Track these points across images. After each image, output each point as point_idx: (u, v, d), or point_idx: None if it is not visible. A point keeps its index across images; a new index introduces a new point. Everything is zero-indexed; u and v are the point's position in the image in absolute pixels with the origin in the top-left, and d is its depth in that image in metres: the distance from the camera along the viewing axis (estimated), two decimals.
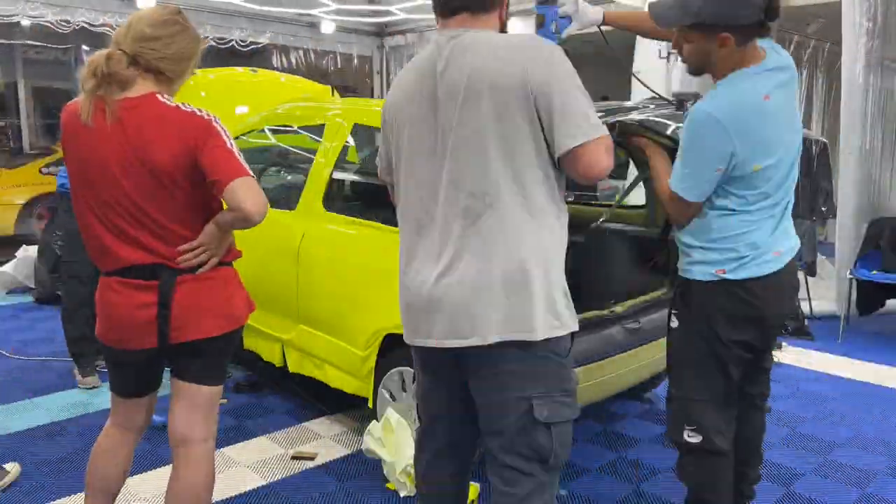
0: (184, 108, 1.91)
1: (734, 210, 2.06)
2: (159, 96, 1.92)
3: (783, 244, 2.12)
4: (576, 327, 1.77)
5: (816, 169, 3.80)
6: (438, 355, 1.79)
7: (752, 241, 2.07)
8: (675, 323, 2.22)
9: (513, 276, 1.66)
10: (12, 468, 2.95)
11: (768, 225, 2.09)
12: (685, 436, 2.20)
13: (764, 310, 2.10)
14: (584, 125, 1.63)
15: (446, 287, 1.70)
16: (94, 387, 3.96)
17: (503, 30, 1.84)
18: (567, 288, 1.76)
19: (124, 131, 1.87)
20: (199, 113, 1.92)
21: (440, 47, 1.74)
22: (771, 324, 2.16)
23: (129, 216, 1.92)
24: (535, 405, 1.71)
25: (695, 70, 2.13)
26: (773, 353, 2.46)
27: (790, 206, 2.16)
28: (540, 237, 1.69)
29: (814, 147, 3.76)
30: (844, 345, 5.06)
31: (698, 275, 2.12)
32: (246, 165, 1.91)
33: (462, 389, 1.84)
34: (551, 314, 1.70)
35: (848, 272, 5.27)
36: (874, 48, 5.46)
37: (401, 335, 2.85)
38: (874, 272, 5.13)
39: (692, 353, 2.18)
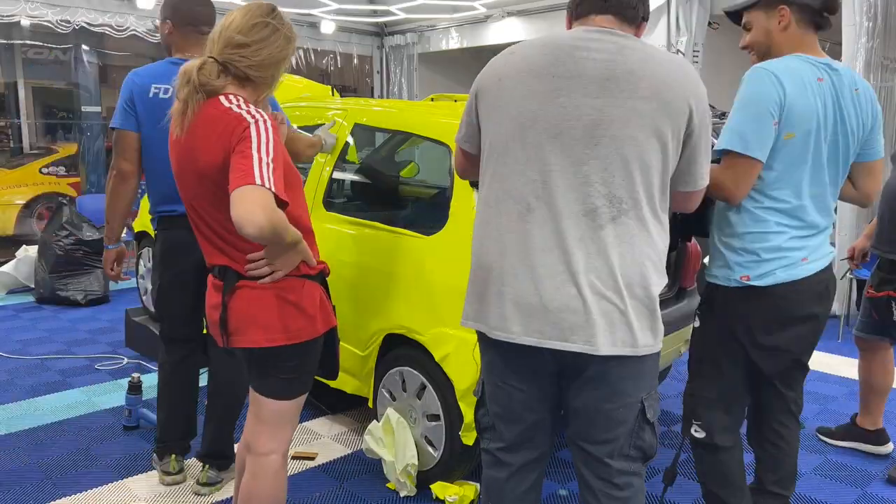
0: (235, 109, 1.82)
1: (755, 201, 2.05)
2: (222, 98, 1.86)
3: (811, 252, 2.09)
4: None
5: None
6: (539, 358, 1.70)
7: (773, 244, 2.05)
8: (696, 323, 2.26)
9: (633, 290, 1.63)
10: None
11: (789, 230, 2.06)
12: (692, 430, 2.26)
13: (794, 312, 2.10)
14: (707, 171, 1.76)
15: (566, 288, 1.62)
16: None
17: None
18: None
19: (183, 135, 1.86)
20: (245, 115, 1.80)
21: (587, 38, 1.67)
22: (801, 326, 2.13)
23: (200, 219, 1.94)
24: (647, 406, 1.72)
25: (757, 54, 2.15)
26: None
27: (820, 218, 2.10)
28: (655, 252, 1.68)
29: None
30: (844, 345, 5.05)
31: (722, 280, 2.13)
32: (262, 172, 1.69)
33: (556, 397, 1.80)
34: (653, 331, 1.68)
35: (848, 272, 5.27)
36: (874, 48, 5.46)
37: (400, 335, 2.89)
38: None
39: (708, 353, 2.22)
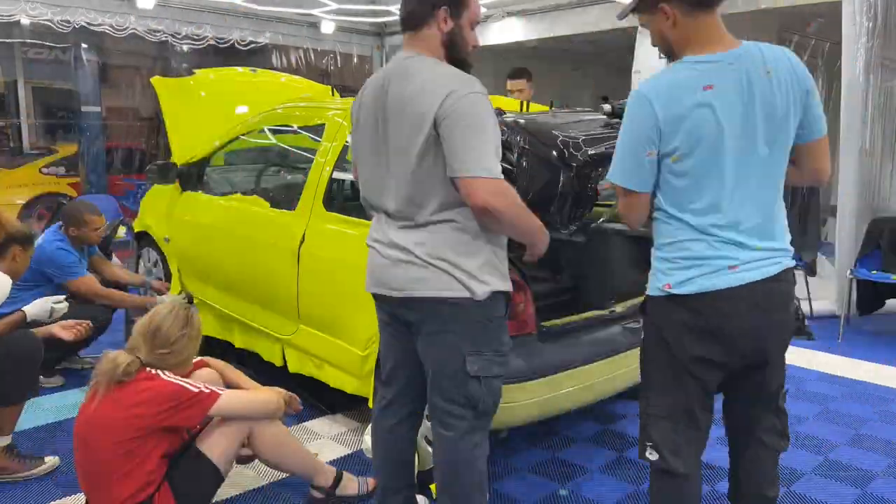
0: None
1: (670, 214, 1.93)
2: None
3: (739, 256, 1.89)
4: (503, 288, 2.09)
5: (809, 211, 3.43)
6: (395, 312, 2.17)
7: (689, 253, 1.90)
8: (642, 334, 2.11)
9: (434, 258, 2.03)
10: (50, 460, 3.08)
11: (705, 240, 1.89)
12: (647, 453, 2.06)
13: (720, 323, 1.91)
14: (470, 161, 1.92)
15: (391, 257, 2.11)
16: (60, 385, 3.99)
17: (453, 44, 2.09)
18: (494, 260, 2.08)
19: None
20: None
21: (388, 68, 2.15)
22: (735, 339, 1.93)
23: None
24: (468, 361, 2.06)
25: (665, 55, 2.01)
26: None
27: (742, 236, 1.90)
28: (448, 230, 2.03)
29: (803, 189, 3.32)
30: (844, 345, 5.06)
31: (651, 289, 2.00)
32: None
33: (414, 346, 2.19)
34: (472, 280, 2.03)
35: (848, 272, 5.27)
36: (874, 48, 5.46)
37: None
38: (874, 272, 5.14)
39: (650, 367, 2.07)
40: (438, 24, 2.05)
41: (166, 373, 2.40)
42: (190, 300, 2.71)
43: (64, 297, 3.45)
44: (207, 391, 2.38)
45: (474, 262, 2.04)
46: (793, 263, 1.99)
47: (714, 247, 1.89)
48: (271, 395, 2.63)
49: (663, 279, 1.95)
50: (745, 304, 1.89)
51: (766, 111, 1.87)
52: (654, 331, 2.03)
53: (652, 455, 2.04)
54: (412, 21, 2.09)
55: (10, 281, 3.00)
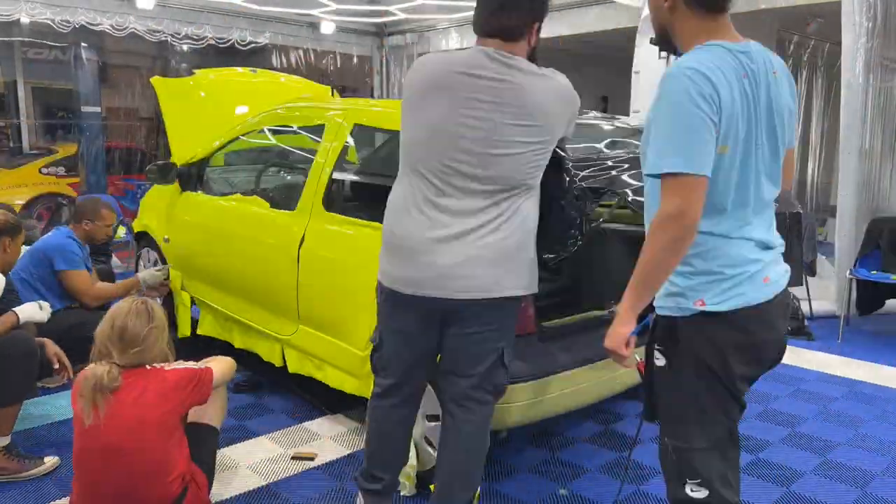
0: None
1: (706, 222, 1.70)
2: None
3: (771, 270, 1.78)
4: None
5: (790, 241, 3.34)
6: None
7: (730, 261, 1.72)
8: (660, 361, 1.83)
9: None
10: (50, 460, 3.07)
11: (746, 243, 1.75)
12: (688, 491, 1.82)
13: (757, 335, 1.77)
14: None
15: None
16: (60, 385, 3.97)
17: (533, 54, 2.33)
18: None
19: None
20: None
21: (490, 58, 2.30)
22: (762, 351, 1.82)
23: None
24: (506, 353, 2.33)
25: (658, 37, 1.88)
26: None
27: (766, 228, 1.82)
28: None
29: (786, 220, 3.27)
30: (844, 345, 5.06)
31: (675, 311, 1.77)
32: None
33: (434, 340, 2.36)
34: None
35: (848, 272, 5.28)
36: (874, 48, 5.46)
37: None
38: (874, 272, 5.14)
39: (687, 396, 1.80)
40: (529, 39, 2.31)
41: (164, 365, 2.49)
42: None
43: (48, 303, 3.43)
44: (203, 367, 2.54)
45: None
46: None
47: (749, 259, 1.74)
48: (228, 359, 2.82)
49: (694, 296, 1.74)
50: (774, 313, 1.80)
51: (774, 116, 1.75)
52: (687, 354, 1.79)
53: (698, 492, 1.80)
54: (515, 34, 2.27)
55: (4, 279, 3.04)
